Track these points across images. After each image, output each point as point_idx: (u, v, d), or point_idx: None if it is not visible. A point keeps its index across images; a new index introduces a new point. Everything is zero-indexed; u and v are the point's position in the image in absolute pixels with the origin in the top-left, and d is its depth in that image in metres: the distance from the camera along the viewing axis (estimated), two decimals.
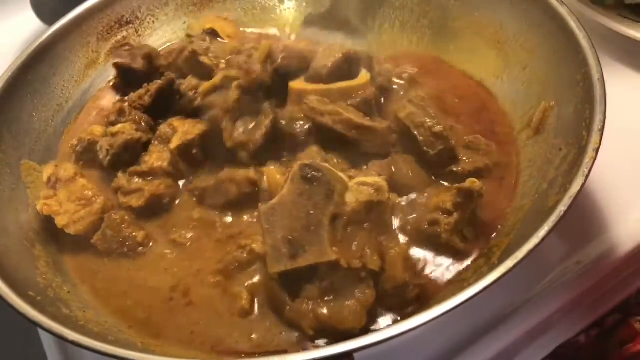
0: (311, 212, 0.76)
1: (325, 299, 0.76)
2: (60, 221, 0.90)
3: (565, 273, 0.90)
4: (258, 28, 1.25)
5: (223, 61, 1.02)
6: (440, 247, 0.83)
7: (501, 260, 0.69)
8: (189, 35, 1.13)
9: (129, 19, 1.20)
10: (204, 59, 1.06)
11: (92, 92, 1.15)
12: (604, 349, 0.93)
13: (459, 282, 0.78)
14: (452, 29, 1.10)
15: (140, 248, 0.90)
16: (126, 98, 1.07)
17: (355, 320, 0.75)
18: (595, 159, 0.74)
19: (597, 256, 0.91)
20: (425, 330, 0.79)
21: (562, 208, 0.70)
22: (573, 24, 0.89)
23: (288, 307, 0.77)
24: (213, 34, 1.13)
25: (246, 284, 0.84)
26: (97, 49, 1.17)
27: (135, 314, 0.84)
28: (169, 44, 1.22)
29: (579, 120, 0.81)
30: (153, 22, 1.23)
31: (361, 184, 0.79)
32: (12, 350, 1.09)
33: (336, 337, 0.73)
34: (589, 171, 0.73)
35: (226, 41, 1.12)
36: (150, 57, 1.10)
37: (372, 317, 0.77)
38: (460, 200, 0.81)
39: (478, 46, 1.07)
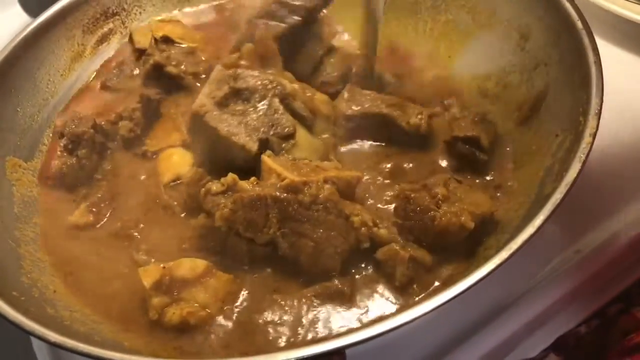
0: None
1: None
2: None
3: (564, 262, 0.88)
4: None
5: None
6: None
7: (496, 251, 0.67)
8: (139, 50, 1.09)
9: (115, 10, 1.18)
10: (170, 69, 1.04)
11: (78, 86, 1.13)
12: (606, 339, 0.91)
13: (451, 275, 0.77)
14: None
15: None
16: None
17: None
18: (592, 144, 0.72)
19: (597, 245, 0.89)
20: (421, 324, 0.77)
21: (558, 196, 0.68)
22: (568, 5, 0.87)
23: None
24: (167, 40, 1.08)
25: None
26: (82, 41, 1.14)
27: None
28: None
29: (575, 105, 0.79)
30: (140, 13, 1.20)
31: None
32: (6, 356, 1.07)
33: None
34: (586, 157, 0.71)
35: (183, 45, 1.09)
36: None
37: None
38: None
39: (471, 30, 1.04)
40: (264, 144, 0.87)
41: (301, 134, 0.90)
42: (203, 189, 0.83)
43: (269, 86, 0.90)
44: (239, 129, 0.87)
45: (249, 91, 0.90)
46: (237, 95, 0.90)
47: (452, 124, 0.90)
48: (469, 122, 0.89)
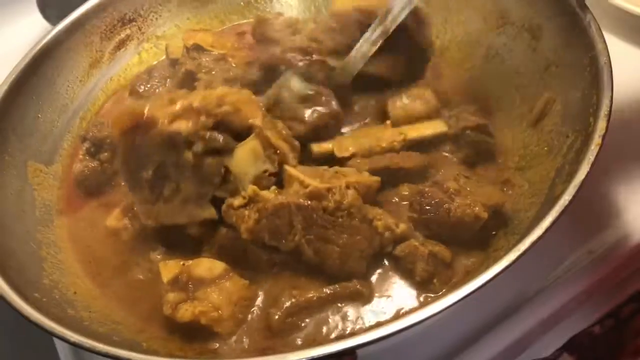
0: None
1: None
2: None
3: (577, 263, 0.88)
4: None
5: None
6: None
7: (505, 252, 0.67)
8: (172, 60, 1.11)
9: (131, 17, 1.20)
10: (201, 76, 1.04)
11: (96, 91, 1.15)
12: (620, 339, 0.90)
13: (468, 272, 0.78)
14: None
15: None
16: None
17: None
18: (601, 145, 0.72)
19: (609, 245, 0.89)
20: (435, 324, 0.78)
21: (566, 197, 0.68)
22: (577, 5, 0.86)
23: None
24: (198, 48, 1.08)
25: None
26: (100, 48, 1.17)
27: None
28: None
29: (586, 106, 0.79)
30: (156, 18, 1.23)
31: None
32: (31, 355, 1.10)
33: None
34: (595, 159, 0.71)
35: (214, 52, 1.08)
36: None
37: None
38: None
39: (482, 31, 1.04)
40: (215, 201, 0.84)
41: (231, 161, 0.83)
42: (224, 205, 0.82)
43: (165, 151, 0.83)
44: (184, 209, 0.84)
45: (158, 169, 0.84)
46: (158, 178, 0.84)
47: (450, 120, 0.92)
48: (470, 113, 0.91)
